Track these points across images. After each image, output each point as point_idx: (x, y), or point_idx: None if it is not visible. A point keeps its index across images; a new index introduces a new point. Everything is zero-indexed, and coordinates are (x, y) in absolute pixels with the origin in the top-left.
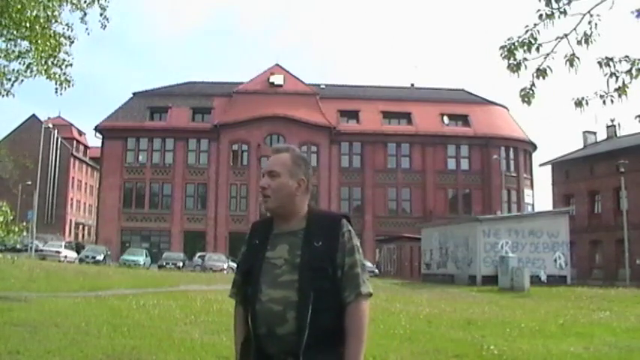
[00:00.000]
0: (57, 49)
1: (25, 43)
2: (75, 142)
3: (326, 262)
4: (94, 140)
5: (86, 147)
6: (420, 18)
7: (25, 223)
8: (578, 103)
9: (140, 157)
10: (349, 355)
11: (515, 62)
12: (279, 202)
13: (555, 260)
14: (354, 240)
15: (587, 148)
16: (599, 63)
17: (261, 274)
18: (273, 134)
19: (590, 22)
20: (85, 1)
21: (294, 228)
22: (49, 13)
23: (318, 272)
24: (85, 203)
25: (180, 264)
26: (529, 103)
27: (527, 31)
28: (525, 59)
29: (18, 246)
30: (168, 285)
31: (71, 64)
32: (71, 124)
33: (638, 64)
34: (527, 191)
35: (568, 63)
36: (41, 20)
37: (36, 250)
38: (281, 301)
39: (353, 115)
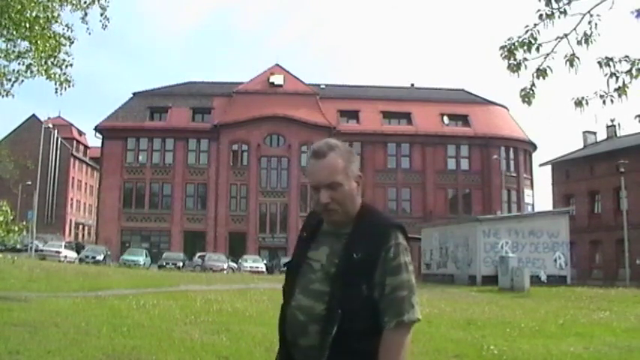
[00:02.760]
0: (57, 50)
1: (24, 44)
2: (75, 142)
3: (361, 279)
4: (94, 140)
5: (86, 147)
6: (420, 18)
7: (25, 223)
8: (578, 103)
9: (140, 157)
10: None
11: (515, 62)
12: (347, 210)
13: (555, 260)
14: (403, 256)
15: (587, 148)
16: (599, 63)
17: (298, 275)
18: (273, 134)
19: (590, 22)
20: (86, 2)
21: (341, 230)
22: (49, 14)
23: (350, 289)
24: (85, 203)
25: (180, 264)
26: (529, 103)
27: (527, 31)
28: (525, 59)
29: (18, 246)
30: (168, 285)
31: (71, 65)
32: (71, 124)
33: (638, 64)
34: (527, 191)
35: (568, 63)
36: (41, 21)
37: (36, 250)
38: (306, 311)
39: (353, 115)
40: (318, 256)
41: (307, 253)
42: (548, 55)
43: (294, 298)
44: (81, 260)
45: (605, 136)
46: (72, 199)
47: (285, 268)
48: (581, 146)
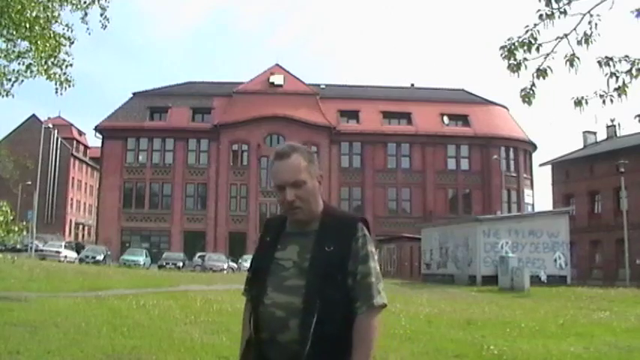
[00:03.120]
0: (57, 50)
1: (24, 44)
2: (75, 142)
3: (336, 269)
4: (94, 140)
5: (86, 147)
6: (420, 18)
7: (25, 223)
8: (578, 103)
9: (140, 157)
10: None
11: (515, 62)
12: (311, 209)
13: (555, 260)
14: (369, 246)
15: (587, 148)
16: (599, 63)
17: (268, 276)
18: (273, 134)
19: (590, 22)
20: (86, 2)
21: (307, 228)
22: (49, 14)
23: (326, 279)
24: (85, 203)
25: (180, 264)
26: (529, 103)
27: (527, 31)
28: (525, 59)
29: (18, 246)
30: (168, 285)
31: (71, 65)
32: (71, 124)
33: (638, 64)
34: (527, 191)
35: (568, 63)
36: (41, 21)
37: (36, 250)
38: (284, 307)
39: (353, 115)
40: (287, 255)
41: (274, 254)
42: (548, 55)
43: (267, 296)
44: (81, 260)
45: (605, 136)
46: (72, 199)
47: (250, 271)
48: (581, 146)
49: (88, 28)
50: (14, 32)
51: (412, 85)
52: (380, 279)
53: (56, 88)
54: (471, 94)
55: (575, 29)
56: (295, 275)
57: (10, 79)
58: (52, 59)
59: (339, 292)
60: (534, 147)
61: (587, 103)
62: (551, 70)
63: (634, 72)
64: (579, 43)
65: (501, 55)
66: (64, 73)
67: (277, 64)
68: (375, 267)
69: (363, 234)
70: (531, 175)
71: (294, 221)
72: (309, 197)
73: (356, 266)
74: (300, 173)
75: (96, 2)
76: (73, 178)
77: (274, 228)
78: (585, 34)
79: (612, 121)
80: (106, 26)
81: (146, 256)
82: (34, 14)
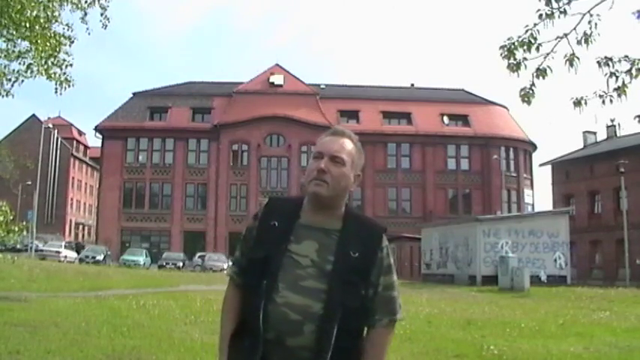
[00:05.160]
0: (57, 49)
1: (25, 43)
2: (75, 142)
3: (359, 277)
4: (94, 140)
5: (86, 147)
6: (420, 18)
7: (25, 223)
8: (578, 103)
9: (140, 157)
10: None
11: (515, 62)
12: (335, 192)
13: (555, 260)
14: (391, 257)
15: (587, 148)
16: (599, 63)
17: (280, 269)
18: (273, 134)
19: (590, 22)
20: (86, 1)
21: (329, 226)
22: (49, 14)
23: (349, 287)
24: (85, 203)
25: (180, 264)
26: (529, 103)
27: (527, 31)
28: (525, 59)
29: (18, 246)
30: (168, 285)
31: (71, 64)
32: (71, 124)
33: (638, 64)
34: (527, 191)
35: (568, 63)
36: (41, 20)
37: (36, 250)
38: (300, 310)
39: (353, 115)
40: (303, 251)
41: (287, 246)
42: (548, 54)
43: (278, 294)
44: (81, 260)
45: (605, 136)
46: (72, 199)
47: (250, 258)
48: (581, 146)
49: (87, 28)
50: (14, 32)
51: (412, 85)
52: (399, 293)
53: (56, 88)
54: (471, 94)
55: (575, 29)
56: (313, 276)
57: (10, 79)
58: (52, 59)
59: (358, 301)
60: (534, 147)
61: (586, 103)
62: (551, 70)
63: (634, 72)
64: (579, 42)
65: (501, 54)
66: (64, 73)
67: (277, 64)
68: (396, 280)
69: (387, 244)
70: (531, 175)
71: (312, 211)
72: (339, 179)
73: (379, 277)
74: (344, 153)
75: (96, 2)
76: (73, 178)
77: (283, 213)
78: (585, 33)
79: (612, 121)
80: (106, 26)
81: (146, 256)
82: (34, 14)
